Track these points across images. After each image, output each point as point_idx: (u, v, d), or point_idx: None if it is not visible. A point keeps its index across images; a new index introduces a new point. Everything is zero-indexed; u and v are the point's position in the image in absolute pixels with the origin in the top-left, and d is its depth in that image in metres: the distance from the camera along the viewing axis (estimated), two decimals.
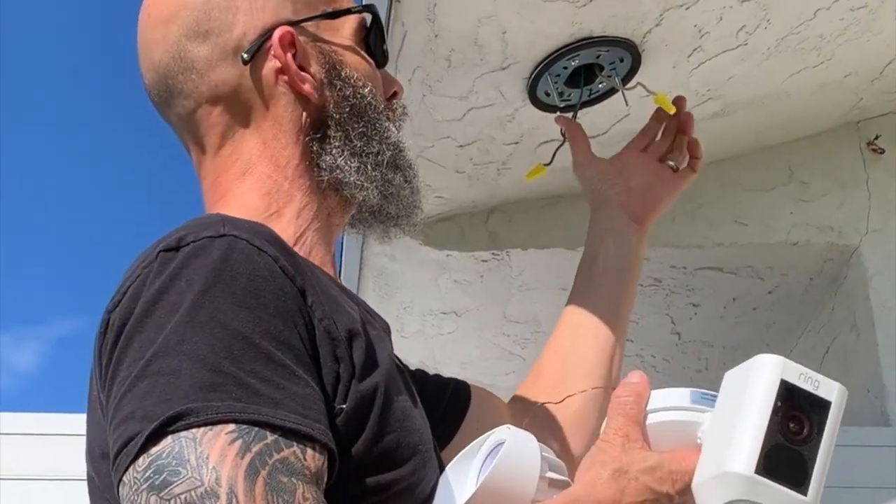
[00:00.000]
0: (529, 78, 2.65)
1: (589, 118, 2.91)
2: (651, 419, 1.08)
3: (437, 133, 2.89)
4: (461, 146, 2.98)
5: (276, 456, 0.96)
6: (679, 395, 1.08)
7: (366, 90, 1.32)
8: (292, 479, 0.95)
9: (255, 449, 0.95)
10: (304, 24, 1.34)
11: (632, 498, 1.03)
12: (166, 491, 0.93)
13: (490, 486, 1.07)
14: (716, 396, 1.06)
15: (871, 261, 3.41)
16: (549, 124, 2.95)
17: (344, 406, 1.08)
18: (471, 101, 2.76)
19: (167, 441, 0.96)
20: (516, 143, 3.00)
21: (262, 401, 0.98)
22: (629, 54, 2.61)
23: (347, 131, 1.30)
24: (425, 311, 3.89)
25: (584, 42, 2.52)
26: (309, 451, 0.99)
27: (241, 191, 1.31)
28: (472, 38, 2.53)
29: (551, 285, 3.66)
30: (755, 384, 1.00)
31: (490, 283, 3.68)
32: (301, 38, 1.33)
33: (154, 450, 0.96)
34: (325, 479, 1.02)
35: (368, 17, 1.39)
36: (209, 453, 0.94)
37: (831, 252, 3.48)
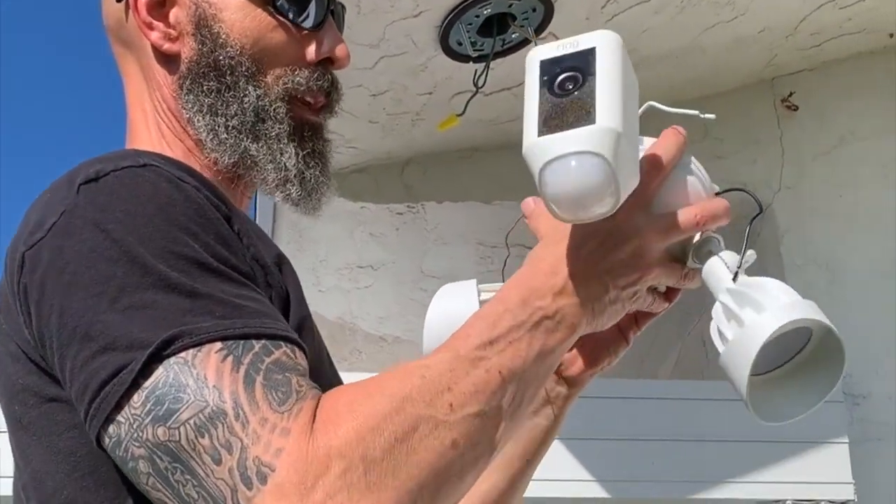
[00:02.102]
0: (441, 26, 2.63)
1: (502, 69, 2.90)
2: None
3: (349, 81, 2.84)
4: (374, 95, 2.94)
5: (268, 360, 0.98)
6: None
7: (232, 48, 1.25)
8: (286, 374, 0.97)
9: (246, 360, 0.96)
10: None
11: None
12: (173, 419, 0.94)
13: (432, 329, 1.16)
14: None
15: (783, 218, 3.44)
16: (462, 74, 2.94)
17: None
18: (382, 48, 2.72)
19: (159, 371, 0.95)
20: (430, 93, 2.97)
21: (245, 312, 1.00)
22: (541, 4, 2.59)
23: (201, 85, 1.25)
24: (341, 264, 3.86)
25: None
26: (298, 351, 1.01)
27: (142, 128, 1.30)
28: None
29: (468, 239, 3.65)
30: (525, 83, 1.03)
31: (406, 237, 3.66)
32: None
33: (148, 382, 0.95)
34: None
35: None
36: (206, 374, 0.95)
37: (744, 208, 3.50)
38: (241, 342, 0.98)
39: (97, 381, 0.97)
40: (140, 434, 0.95)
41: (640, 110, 1.10)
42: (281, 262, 1.16)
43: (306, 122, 1.28)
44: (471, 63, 2.78)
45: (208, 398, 0.94)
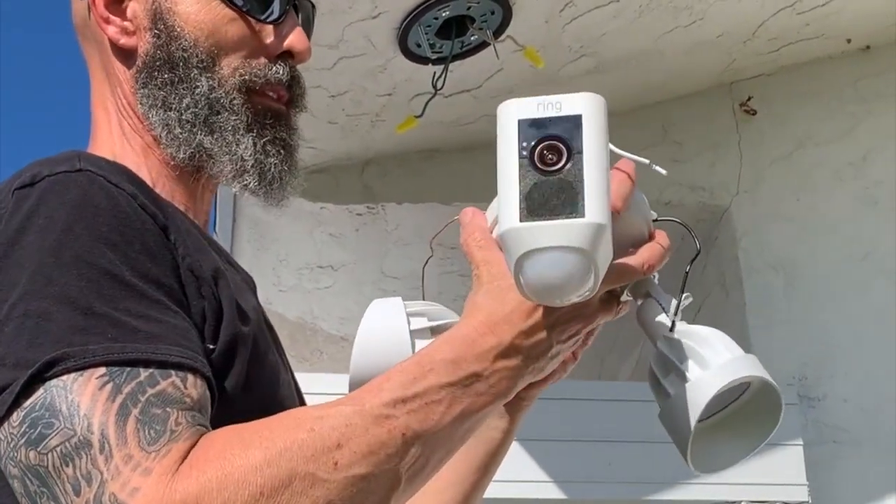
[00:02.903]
0: (400, 28, 2.63)
1: (462, 71, 2.91)
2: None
3: (308, 82, 2.83)
4: (333, 96, 2.94)
5: (151, 391, 0.95)
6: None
7: (185, 40, 1.25)
8: (166, 408, 0.95)
9: (126, 390, 0.94)
10: None
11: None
12: (43, 444, 0.93)
13: (359, 365, 1.07)
14: None
15: (741, 222, 3.46)
16: (422, 76, 2.94)
17: (213, 347, 1.06)
18: (341, 49, 2.73)
19: (39, 392, 0.94)
20: (389, 94, 2.97)
21: (139, 337, 0.97)
22: (500, 7, 2.60)
23: (155, 79, 1.25)
24: (301, 264, 3.86)
25: None
26: (190, 379, 0.98)
27: (104, 126, 1.29)
28: None
29: (427, 241, 3.65)
30: (499, 137, 0.96)
31: (366, 237, 3.66)
32: None
33: (27, 402, 0.94)
34: (209, 408, 1.01)
35: None
36: (79, 401, 0.93)
37: (703, 212, 3.53)
38: (127, 369, 0.95)
39: None
40: (15, 454, 0.94)
41: None
42: (218, 275, 1.12)
43: (268, 109, 1.26)
44: (430, 65, 2.79)
45: (76, 427, 0.93)
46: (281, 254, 3.79)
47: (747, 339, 3.37)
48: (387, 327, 1.12)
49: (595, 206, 0.92)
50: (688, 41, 3.07)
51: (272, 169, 1.25)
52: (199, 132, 1.23)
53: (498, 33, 2.67)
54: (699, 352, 1.05)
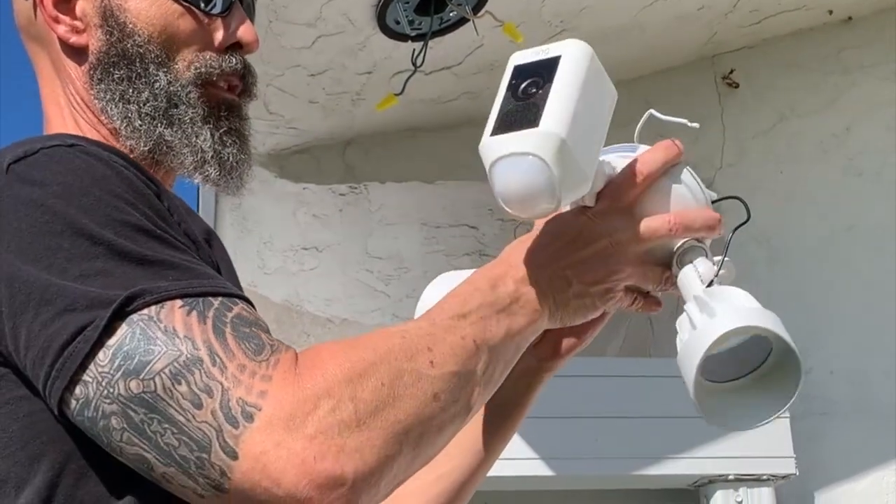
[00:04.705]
0: (378, 5, 2.61)
1: (442, 48, 2.89)
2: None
3: (287, 61, 2.83)
4: (312, 75, 2.92)
5: (231, 314, 0.99)
6: None
7: (140, 37, 1.26)
8: (252, 328, 0.99)
9: (209, 314, 0.98)
10: None
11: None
12: (146, 370, 0.95)
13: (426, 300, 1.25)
14: None
15: (725, 195, 3.45)
16: (401, 54, 2.92)
17: None
18: (319, 27, 2.70)
19: (123, 328, 0.96)
20: (369, 72, 2.95)
21: (197, 273, 1.01)
22: None
23: (111, 74, 1.26)
24: (285, 246, 3.83)
25: None
26: (252, 307, 1.03)
27: (58, 122, 1.30)
28: None
29: (412, 220, 3.63)
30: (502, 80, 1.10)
31: (349, 218, 3.64)
32: None
33: (112, 340, 0.96)
34: None
35: None
36: (174, 326, 0.96)
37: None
38: (201, 299, 0.99)
39: (58, 342, 0.97)
40: (111, 390, 0.95)
41: (642, 119, 1.20)
42: (210, 237, 1.18)
43: (222, 101, 1.29)
44: (409, 42, 2.76)
45: (181, 347, 0.95)
46: (265, 236, 3.77)
47: None
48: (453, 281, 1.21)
49: (551, 119, 1.03)
50: (668, 15, 3.05)
51: (230, 158, 1.28)
52: (160, 124, 1.25)
53: (477, 9, 2.65)
54: (715, 306, 1.08)
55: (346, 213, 3.62)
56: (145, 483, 0.99)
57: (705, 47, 3.43)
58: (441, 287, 1.24)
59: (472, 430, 1.36)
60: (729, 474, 3.17)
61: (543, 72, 1.06)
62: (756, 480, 3.17)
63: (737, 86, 3.50)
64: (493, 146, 1.05)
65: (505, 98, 1.07)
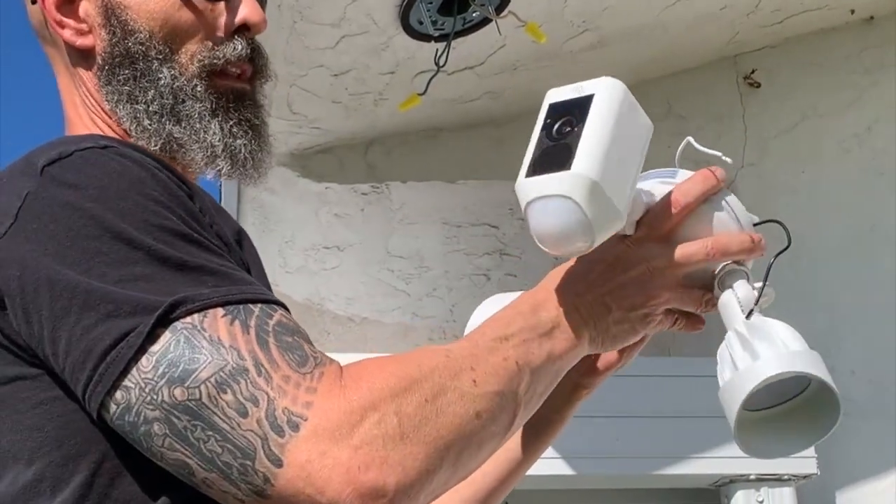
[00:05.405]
0: (401, 5, 2.62)
1: (464, 48, 2.90)
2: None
3: (311, 61, 2.84)
4: (335, 75, 2.93)
5: (272, 322, 1.00)
6: None
7: (141, 34, 1.25)
8: (294, 337, 1.00)
9: (252, 323, 0.99)
10: None
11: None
12: (192, 379, 0.96)
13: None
14: None
15: (746, 195, 3.42)
16: (424, 54, 2.93)
17: None
18: (343, 28, 2.71)
19: (167, 336, 0.97)
20: (392, 72, 2.96)
21: (235, 280, 1.02)
22: None
23: (116, 75, 1.26)
24: (307, 245, 3.84)
25: None
26: (288, 312, 1.04)
27: (78, 123, 1.29)
28: None
29: (433, 219, 3.64)
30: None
31: (371, 217, 3.65)
32: None
33: (156, 347, 0.97)
34: None
35: None
36: (219, 335, 0.97)
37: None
38: (241, 306, 1.00)
39: (101, 347, 0.97)
40: (154, 397, 0.96)
41: (681, 147, 1.24)
42: (241, 237, 1.18)
43: (229, 90, 1.27)
44: (432, 42, 2.78)
45: (227, 357, 0.96)
46: (286, 235, 3.78)
47: None
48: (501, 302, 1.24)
49: (583, 161, 1.05)
50: (690, 14, 3.05)
51: (242, 150, 1.26)
52: (168, 122, 1.24)
53: (500, 9, 2.65)
54: (757, 344, 1.10)
55: (368, 213, 3.63)
56: (180, 485, 1.00)
57: (727, 47, 3.43)
58: (488, 309, 1.26)
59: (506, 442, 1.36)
60: (750, 474, 3.16)
61: (576, 111, 1.08)
62: (777, 480, 3.17)
63: (758, 85, 3.50)
64: (527, 188, 1.07)
65: (540, 138, 1.09)
